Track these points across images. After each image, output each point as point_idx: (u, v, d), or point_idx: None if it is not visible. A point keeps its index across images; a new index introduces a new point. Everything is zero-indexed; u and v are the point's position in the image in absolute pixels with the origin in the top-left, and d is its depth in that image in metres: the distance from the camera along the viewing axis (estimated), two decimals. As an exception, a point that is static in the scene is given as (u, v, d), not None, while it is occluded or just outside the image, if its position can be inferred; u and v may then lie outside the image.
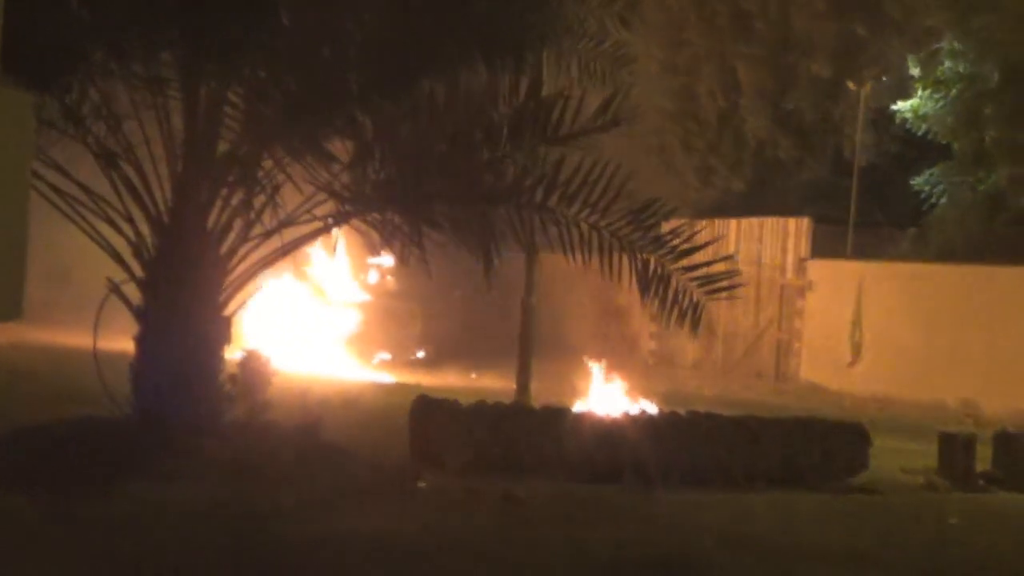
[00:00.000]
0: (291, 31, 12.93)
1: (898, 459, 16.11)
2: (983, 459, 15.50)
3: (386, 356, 28.17)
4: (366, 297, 28.87)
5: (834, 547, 11.27)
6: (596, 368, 17.01)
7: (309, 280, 27.42)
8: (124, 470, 11.72)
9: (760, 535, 11.57)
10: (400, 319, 29.12)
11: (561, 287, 29.90)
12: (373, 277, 28.83)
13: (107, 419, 13.14)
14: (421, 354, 29.06)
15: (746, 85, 34.01)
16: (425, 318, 29.91)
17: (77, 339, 15.53)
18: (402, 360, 28.30)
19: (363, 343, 28.06)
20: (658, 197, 14.47)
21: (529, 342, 21.64)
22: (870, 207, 32.23)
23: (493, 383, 22.76)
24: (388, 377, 25.30)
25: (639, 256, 13.83)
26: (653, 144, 33.71)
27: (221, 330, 13.50)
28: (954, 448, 15.41)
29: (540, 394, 19.41)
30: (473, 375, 26.24)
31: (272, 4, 12.79)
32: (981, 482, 15.14)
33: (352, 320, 28.38)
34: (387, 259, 21.33)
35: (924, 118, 30.26)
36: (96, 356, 13.45)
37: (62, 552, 9.37)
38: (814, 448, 14.59)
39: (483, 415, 14.39)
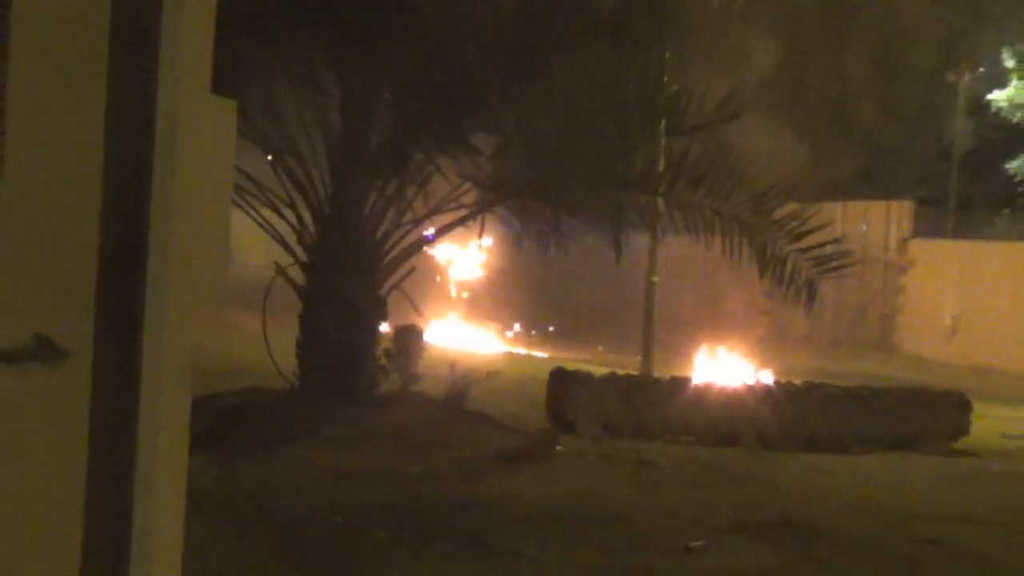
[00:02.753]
0: (435, 27, 12.93)
1: (998, 425, 15.94)
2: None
3: (519, 330, 28.19)
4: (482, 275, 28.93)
5: (942, 507, 11.16)
6: (714, 341, 16.97)
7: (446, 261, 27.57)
8: (288, 436, 11.84)
9: (874, 497, 11.48)
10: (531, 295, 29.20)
11: (679, 266, 29.77)
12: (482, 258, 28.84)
13: (274, 390, 13.30)
14: (551, 328, 29.03)
15: (853, 76, 33.71)
16: (554, 295, 29.95)
17: (246, 317, 15.69)
18: (535, 333, 28.32)
19: (497, 317, 28.11)
20: (775, 184, 14.40)
21: (652, 317, 21.60)
22: (968, 190, 31.91)
23: (618, 356, 22.68)
24: (522, 350, 25.36)
25: (757, 238, 13.78)
26: (766, 132, 33.44)
27: (377, 308, 13.58)
28: (1052, 415, 15.26)
29: (664, 366, 19.35)
30: (600, 348, 26.19)
31: (417, 2, 12.81)
32: (1078, 446, 14.97)
33: (485, 296, 28.47)
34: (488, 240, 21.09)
35: (1019, 106, 29.88)
36: (265, 332, 13.60)
37: (234, 509, 9.52)
38: (920, 415, 14.46)
39: (614, 385, 14.40)
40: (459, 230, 14.88)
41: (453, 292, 28.51)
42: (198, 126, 3.52)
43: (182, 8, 3.42)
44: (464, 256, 28.32)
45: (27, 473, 3.28)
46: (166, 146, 3.41)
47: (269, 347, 13.46)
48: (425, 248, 15.25)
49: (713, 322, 31.82)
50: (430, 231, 14.32)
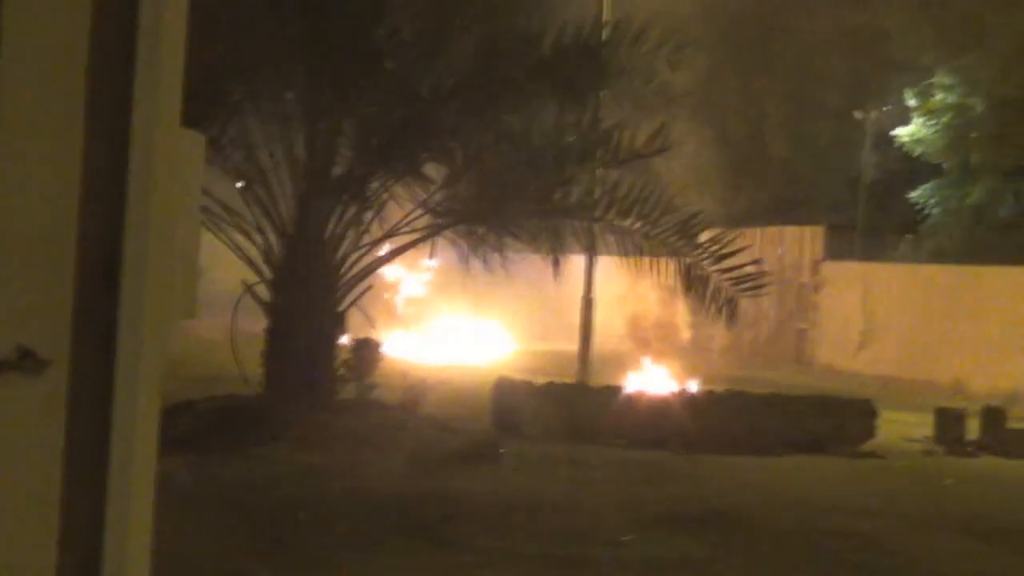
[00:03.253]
0: (394, 74, 13.00)
1: (901, 429, 16.04)
2: (972, 429, 15.39)
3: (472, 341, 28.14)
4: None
5: (849, 502, 11.26)
6: (643, 353, 17.06)
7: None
8: (259, 439, 11.79)
9: (787, 492, 11.55)
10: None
11: (612, 283, 29.85)
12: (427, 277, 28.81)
13: (244, 397, 13.23)
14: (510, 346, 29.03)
15: (770, 114, 33.95)
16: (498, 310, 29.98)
17: (216, 331, 15.63)
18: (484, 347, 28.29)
19: (450, 332, 28.06)
20: (699, 210, 14.55)
21: (589, 331, 21.71)
22: (874, 217, 32.14)
23: (558, 366, 22.68)
24: (473, 359, 25.32)
25: (683, 260, 13.88)
26: (691, 164, 33.62)
27: (337, 323, 13.57)
28: (948, 420, 15.39)
29: (599, 375, 19.39)
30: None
31: (379, 51, 12.86)
32: (971, 448, 15.06)
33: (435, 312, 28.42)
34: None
35: (920, 142, 30.19)
36: (234, 345, 13.54)
37: (209, 504, 9.48)
38: (830, 420, 14.55)
39: (552, 393, 14.48)
40: (409, 251, 14.91)
41: (400, 308, 28.44)
42: (170, 156, 3.51)
43: (157, 48, 3.41)
44: (412, 275, 28.30)
45: (6, 475, 3.26)
46: (141, 174, 3.40)
47: (238, 359, 13.41)
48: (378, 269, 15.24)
49: (644, 334, 32.00)
50: (383, 251, 14.33)
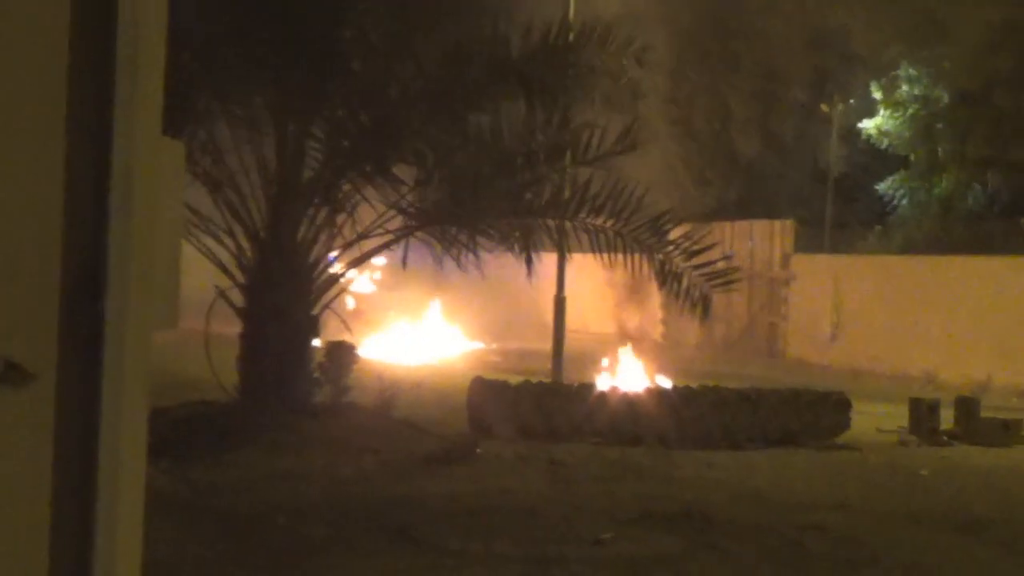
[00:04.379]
0: (362, 76, 13.04)
1: (874, 421, 16.14)
2: (945, 420, 15.50)
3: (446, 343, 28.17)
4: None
5: (824, 497, 11.30)
6: (617, 350, 17.10)
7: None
8: (234, 444, 11.81)
9: (762, 488, 11.61)
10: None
11: (586, 282, 29.93)
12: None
13: (218, 402, 13.24)
14: (483, 345, 29.04)
15: (736, 111, 34.08)
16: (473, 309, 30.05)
17: (189, 337, 15.60)
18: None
19: (422, 333, 28.08)
20: (670, 208, 14.66)
21: (561, 329, 21.78)
22: (842, 210, 32.30)
23: (527, 363, 22.71)
24: (450, 358, 25.37)
25: (656, 256, 13.95)
26: (660, 162, 33.72)
27: (310, 326, 13.58)
28: (921, 411, 15.48)
29: (572, 373, 19.45)
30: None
31: (345, 54, 12.89)
32: (944, 438, 15.17)
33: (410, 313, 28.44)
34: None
35: (886, 134, 30.32)
36: (208, 350, 13.53)
37: (185, 510, 9.50)
38: (804, 414, 14.62)
39: (527, 393, 14.50)
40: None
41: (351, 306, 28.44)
42: (151, 165, 3.54)
43: (136, 56, 3.44)
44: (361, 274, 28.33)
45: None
46: (122, 184, 3.43)
47: (212, 364, 13.41)
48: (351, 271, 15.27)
49: (618, 331, 32.11)
50: (333, 255, 14.32)
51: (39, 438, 3.35)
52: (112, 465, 3.45)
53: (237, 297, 13.69)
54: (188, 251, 13.51)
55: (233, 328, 13.71)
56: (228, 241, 13.68)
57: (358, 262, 14.69)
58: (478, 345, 28.91)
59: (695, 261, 14.08)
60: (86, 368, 3.43)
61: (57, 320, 3.37)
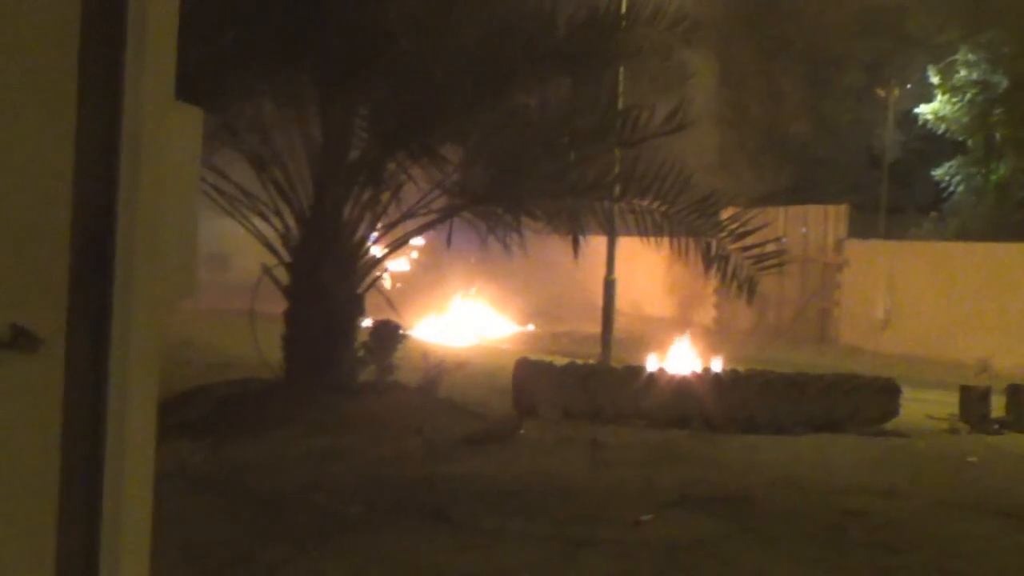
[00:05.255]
0: (408, 55, 12.98)
1: (924, 408, 15.98)
2: (997, 407, 15.32)
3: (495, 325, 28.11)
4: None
5: (868, 482, 11.18)
6: (667, 333, 17.02)
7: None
8: (275, 422, 11.82)
9: (805, 473, 11.50)
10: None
11: (638, 265, 29.85)
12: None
13: (262, 380, 13.27)
14: (532, 327, 28.96)
15: (789, 95, 33.87)
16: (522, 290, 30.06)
17: (234, 313, 15.66)
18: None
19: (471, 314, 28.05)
20: (716, 189, 14.51)
21: (611, 311, 21.71)
22: (897, 195, 32.06)
23: (577, 344, 22.63)
24: (498, 340, 25.33)
25: (703, 239, 13.85)
26: (713, 146, 33.54)
27: (355, 305, 13.57)
28: (972, 398, 15.30)
29: (621, 355, 19.40)
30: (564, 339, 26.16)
31: (392, 33, 12.85)
32: (996, 426, 14.99)
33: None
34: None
35: (943, 119, 30.05)
36: (253, 328, 13.56)
37: (222, 488, 9.52)
38: (851, 399, 14.48)
39: (572, 374, 14.43)
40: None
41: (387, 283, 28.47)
42: (163, 130, 3.51)
43: (145, 19, 3.40)
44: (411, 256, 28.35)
45: (3, 453, 3.26)
46: (132, 149, 3.39)
47: (257, 341, 13.43)
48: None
49: (668, 314, 31.97)
50: (374, 235, 14.31)
51: (48, 404, 3.33)
52: (121, 430, 3.43)
53: (285, 276, 13.70)
54: (238, 231, 13.63)
55: (283, 307, 13.74)
56: (275, 220, 13.71)
57: (402, 242, 14.66)
58: (528, 327, 28.84)
59: (742, 244, 13.94)
60: (95, 335, 3.41)
61: (66, 287, 3.35)
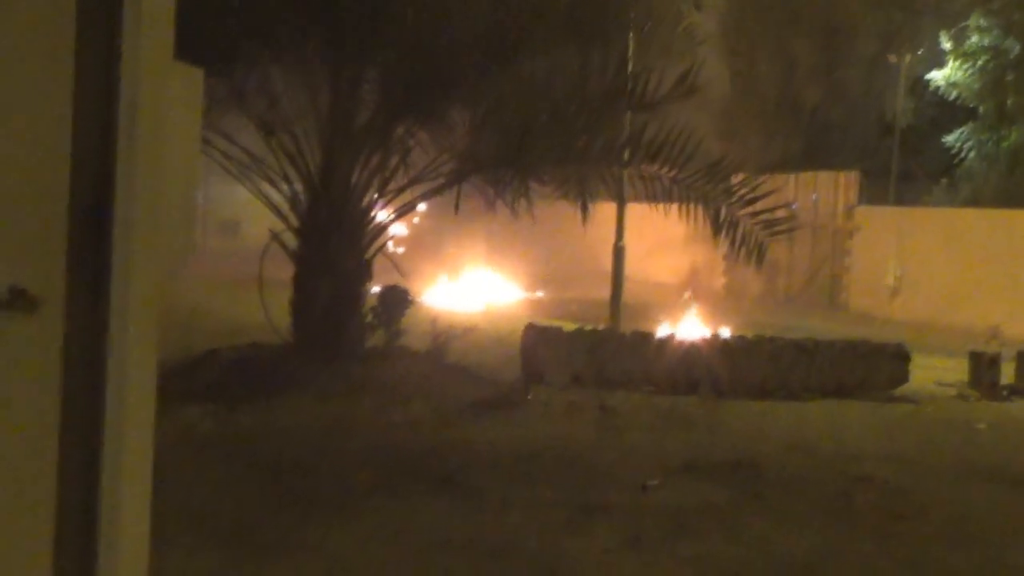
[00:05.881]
0: (415, 21, 12.93)
1: (934, 374, 15.94)
2: (1007, 374, 15.29)
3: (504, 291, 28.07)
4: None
5: (876, 449, 11.16)
6: (676, 299, 17.00)
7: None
8: (283, 388, 11.81)
9: (813, 439, 11.48)
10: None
11: (648, 231, 29.82)
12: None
13: (270, 346, 13.26)
14: (540, 293, 28.91)
15: (800, 61, 33.76)
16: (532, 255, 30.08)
17: (244, 280, 15.64)
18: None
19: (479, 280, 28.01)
20: (725, 155, 14.45)
21: (620, 278, 21.67)
22: (908, 162, 31.95)
23: (586, 310, 22.59)
24: (507, 305, 25.30)
25: (712, 204, 13.80)
26: (723, 113, 33.44)
27: (363, 270, 13.54)
28: (982, 365, 15.26)
29: (630, 322, 19.37)
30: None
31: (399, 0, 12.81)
32: (1005, 393, 14.97)
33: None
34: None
35: (954, 85, 29.94)
36: (261, 294, 13.53)
37: (230, 453, 9.52)
38: (861, 365, 14.45)
39: (581, 340, 14.40)
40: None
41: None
42: (162, 91, 3.48)
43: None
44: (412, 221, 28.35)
45: (4, 411, 3.26)
46: (130, 110, 3.37)
47: (265, 307, 13.41)
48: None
49: (677, 280, 31.94)
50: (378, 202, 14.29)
51: (48, 364, 3.33)
52: (120, 389, 3.42)
53: (293, 242, 13.68)
54: (247, 197, 13.62)
55: (291, 273, 13.72)
56: (283, 185, 13.69)
57: (410, 207, 14.61)
58: (536, 293, 28.81)
59: (751, 209, 13.89)
60: (94, 296, 3.39)
61: (65, 249, 3.34)
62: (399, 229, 27.28)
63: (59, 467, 3.38)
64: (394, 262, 14.37)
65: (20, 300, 3.25)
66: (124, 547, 3.43)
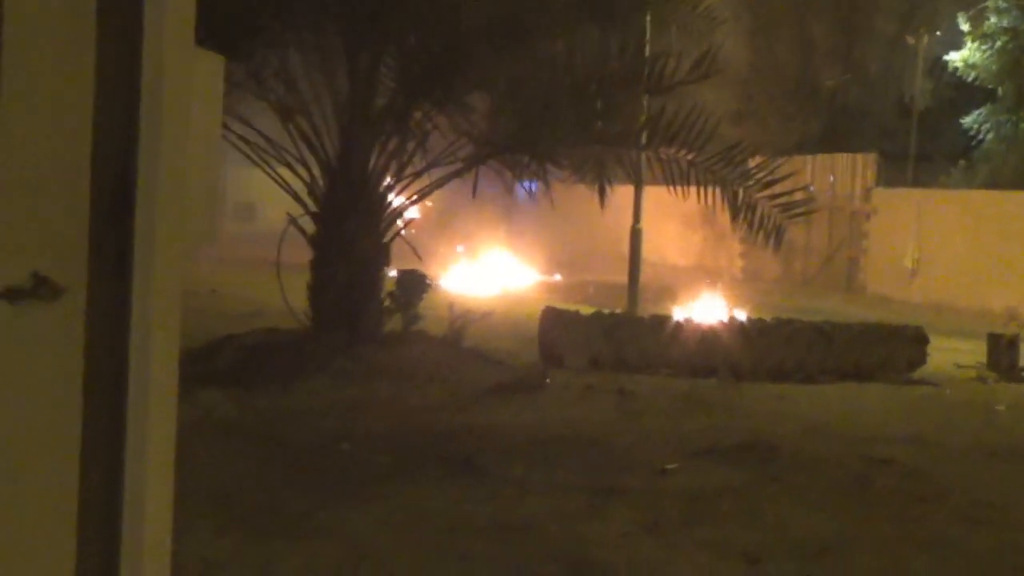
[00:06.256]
0: (433, 3, 12.92)
1: (952, 357, 15.93)
2: (1025, 356, 15.29)
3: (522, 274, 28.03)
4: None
5: (895, 431, 11.15)
6: (694, 282, 16.99)
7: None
8: (301, 372, 11.83)
9: (832, 422, 11.48)
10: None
11: (666, 214, 29.80)
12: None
13: (288, 330, 13.28)
14: (558, 276, 28.87)
15: (819, 43, 33.68)
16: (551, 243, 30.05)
17: (263, 264, 15.65)
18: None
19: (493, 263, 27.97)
20: (743, 138, 14.42)
21: (637, 261, 21.66)
22: (926, 144, 31.85)
23: (604, 294, 22.58)
24: (525, 289, 25.28)
25: (730, 187, 13.77)
26: (741, 95, 33.37)
27: (380, 254, 13.55)
28: (1000, 346, 15.25)
29: (648, 305, 19.37)
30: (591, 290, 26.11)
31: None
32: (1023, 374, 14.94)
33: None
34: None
35: (973, 66, 29.83)
36: (280, 278, 13.57)
37: (249, 436, 9.55)
38: (879, 348, 14.44)
39: (599, 323, 14.42)
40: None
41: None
42: (184, 77, 3.48)
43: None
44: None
45: (26, 400, 3.27)
46: (152, 96, 3.37)
47: (283, 292, 13.44)
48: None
49: (695, 263, 31.92)
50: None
51: (70, 352, 3.33)
52: (143, 377, 3.43)
53: (311, 226, 13.69)
54: (266, 182, 13.64)
55: (309, 257, 13.73)
56: (301, 170, 13.69)
57: (428, 191, 14.60)
58: (554, 277, 28.79)
59: (769, 192, 13.86)
60: (116, 282, 3.40)
61: (87, 235, 3.34)
62: (415, 213, 27.31)
63: (82, 453, 3.38)
64: (412, 246, 14.36)
65: (43, 287, 3.25)
66: (147, 533, 3.45)
